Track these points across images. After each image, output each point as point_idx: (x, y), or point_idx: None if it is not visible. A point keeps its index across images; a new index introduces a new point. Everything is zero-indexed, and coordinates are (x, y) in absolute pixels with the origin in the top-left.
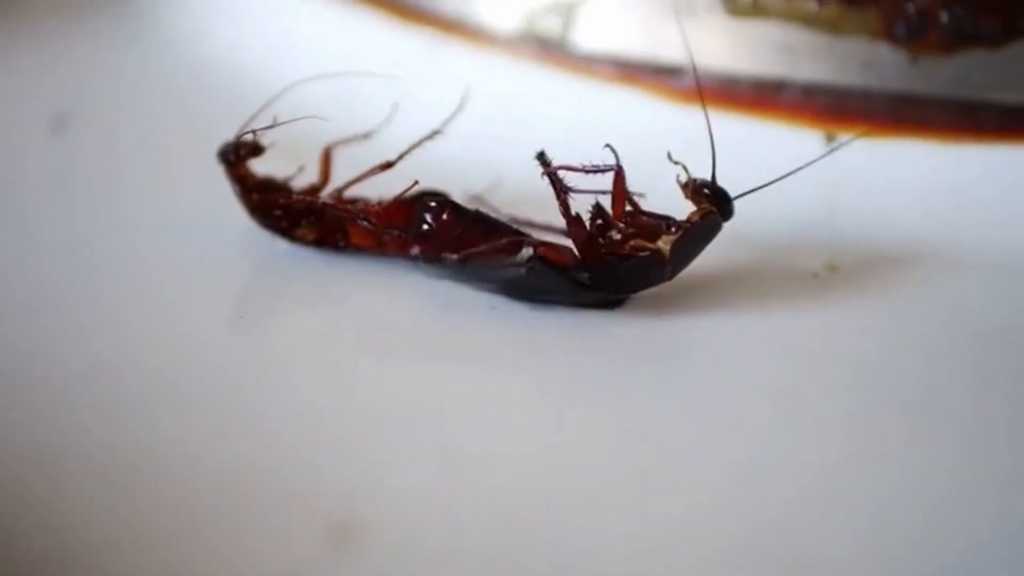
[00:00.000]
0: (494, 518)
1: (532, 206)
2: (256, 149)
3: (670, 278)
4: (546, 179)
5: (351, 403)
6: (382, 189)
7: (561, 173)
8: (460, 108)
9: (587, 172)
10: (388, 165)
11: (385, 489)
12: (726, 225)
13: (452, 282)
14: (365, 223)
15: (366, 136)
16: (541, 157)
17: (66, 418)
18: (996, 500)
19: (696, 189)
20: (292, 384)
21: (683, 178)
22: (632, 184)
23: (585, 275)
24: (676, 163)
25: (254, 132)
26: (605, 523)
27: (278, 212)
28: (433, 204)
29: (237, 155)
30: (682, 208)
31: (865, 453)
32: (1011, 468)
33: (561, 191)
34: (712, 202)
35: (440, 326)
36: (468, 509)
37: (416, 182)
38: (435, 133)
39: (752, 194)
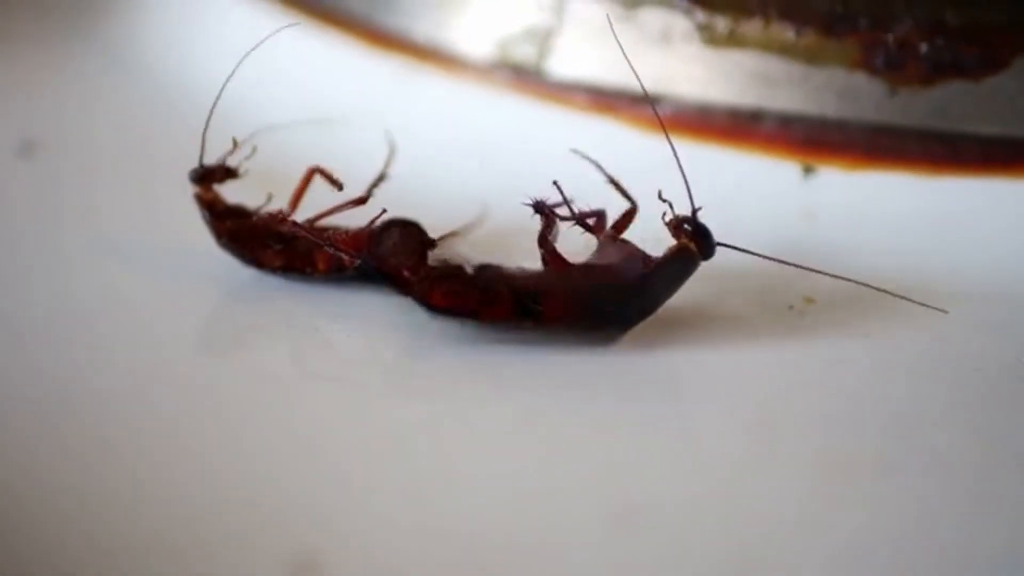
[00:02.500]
0: (466, 556)
1: (506, 234)
2: (230, 173)
3: (642, 317)
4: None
5: (320, 435)
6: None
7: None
8: (392, 153)
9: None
10: (362, 201)
11: (352, 525)
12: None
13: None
14: (331, 250)
15: (337, 184)
16: (539, 206)
17: (25, 448)
18: (971, 535)
19: (676, 224)
20: (260, 416)
21: (668, 216)
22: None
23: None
24: (664, 201)
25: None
26: (580, 560)
27: (246, 238)
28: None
29: (210, 178)
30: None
31: (841, 487)
32: (986, 503)
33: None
34: (690, 238)
35: (411, 357)
36: (439, 547)
37: (384, 210)
38: (382, 178)
39: (729, 225)
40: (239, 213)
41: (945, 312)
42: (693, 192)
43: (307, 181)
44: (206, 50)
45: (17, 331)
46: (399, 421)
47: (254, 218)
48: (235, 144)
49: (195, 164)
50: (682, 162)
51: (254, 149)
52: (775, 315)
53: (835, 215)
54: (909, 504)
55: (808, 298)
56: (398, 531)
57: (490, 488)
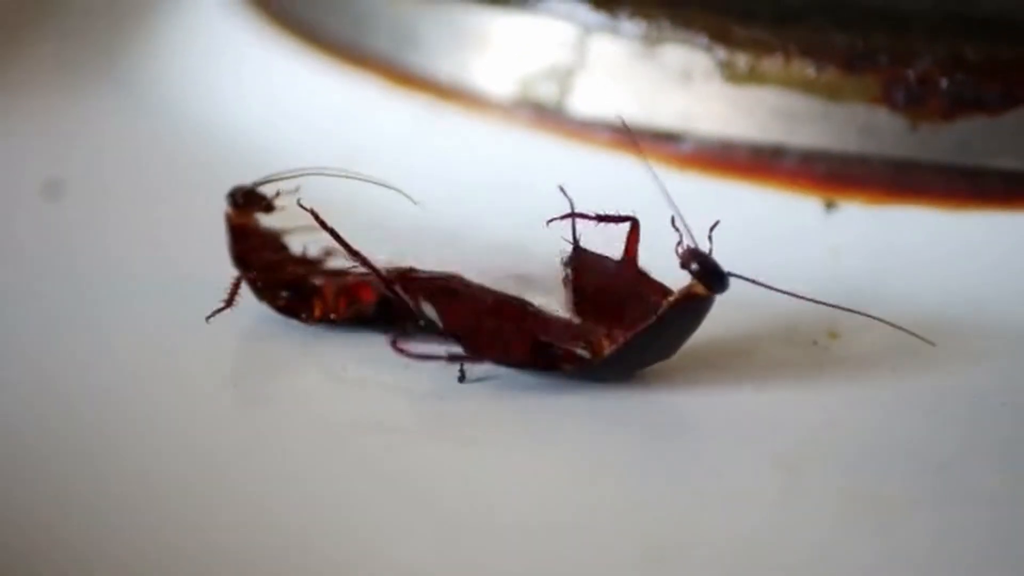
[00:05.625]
0: None
1: (528, 273)
2: (268, 206)
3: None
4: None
5: (348, 477)
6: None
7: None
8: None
9: (600, 220)
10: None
11: (384, 568)
12: (726, 294)
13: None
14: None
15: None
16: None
17: (53, 496)
18: (999, 570)
19: (685, 262)
20: (288, 458)
21: (680, 248)
22: None
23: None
24: (676, 229)
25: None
26: None
27: (264, 272)
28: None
29: (250, 203)
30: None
31: (869, 523)
32: (1014, 538)
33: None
34: (699, 277)
35: (439, 397)
36: None
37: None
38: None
39: (752, 261)
40: (265, 245)
41: (969, 346)
42: (716, 229)
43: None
44: (227, 90)
45: (45, 372)
46: (430, 461)
47: (278, 254)
48: (282, 188)
49: (219, 205)
50: (704, 198)
51: (297, 188)
52: (799, 351)
53: (858, 250)
54: (937, 540)
55: (832, 333)
56: (432, 571)
57: (521, 528)
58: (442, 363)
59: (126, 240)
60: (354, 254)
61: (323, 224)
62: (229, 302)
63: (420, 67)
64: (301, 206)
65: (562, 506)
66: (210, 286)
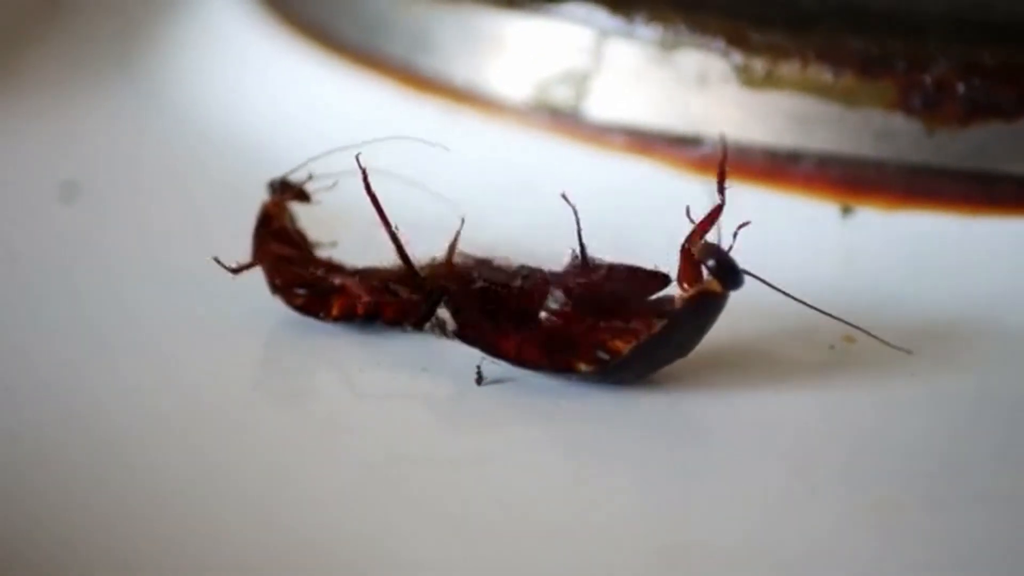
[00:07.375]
0: None
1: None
2: (303, 195)
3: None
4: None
5: (365, 480)
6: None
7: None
8: None
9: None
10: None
11: (399, 567)
12: (744, 297)
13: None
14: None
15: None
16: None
17: (76, 493)
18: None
19: (702, 257)
20: (305, 460)
21: (696, 247)
22: (645, 255)
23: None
24: (692, 220)
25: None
26: None
27: (283, 267)
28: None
29: (287, 191)
30: None
31: (886, 527)
32: None
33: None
34: (715, 274)
35: (454, 399)
36: None
37: None
38: None
39: (768, 266)
40: (290, 242)
41: (987, 351)
42: (730, 231)
43: None
44: (241, 93)
45: (62, 376)
46: (446, 461)
47: (300, 252)
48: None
49: (236, 205)
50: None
51: (335, 183)
52: (816, 355)
53: (873, 254)
54: (957, 544)
55: (849, 337)
56: (448, 570)
57: (537, 528)
58: (459, 366)
59: (141, 241)
60: (387, 224)
61: (368, 187)
62: (237, 271)
63: (436, 71)
64: (357, 161)
65: (579, 507)
66: (227, 286)
